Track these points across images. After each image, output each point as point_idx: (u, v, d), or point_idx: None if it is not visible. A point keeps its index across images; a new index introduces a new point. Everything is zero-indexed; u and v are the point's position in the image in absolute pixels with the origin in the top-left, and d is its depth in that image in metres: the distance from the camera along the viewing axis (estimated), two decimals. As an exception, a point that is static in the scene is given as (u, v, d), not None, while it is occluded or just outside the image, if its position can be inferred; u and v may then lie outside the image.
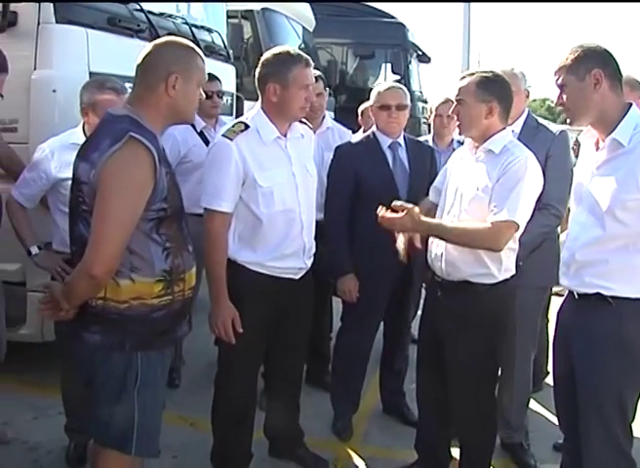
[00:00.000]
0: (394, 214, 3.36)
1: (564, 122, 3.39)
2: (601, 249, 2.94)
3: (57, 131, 4.05)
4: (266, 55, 3.55)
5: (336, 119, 5.76)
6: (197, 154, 4.76)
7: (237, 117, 5.93)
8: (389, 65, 13.76)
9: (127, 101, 2.89)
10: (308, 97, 3.52)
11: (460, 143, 4.50)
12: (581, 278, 3.02)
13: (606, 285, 2.93)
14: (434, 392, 3.81)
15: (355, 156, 4.41)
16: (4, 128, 4.35)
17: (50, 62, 4.48)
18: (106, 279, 2.62)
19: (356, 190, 4.34)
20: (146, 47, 2.83)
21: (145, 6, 5.24)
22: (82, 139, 3.68)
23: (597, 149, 3.05)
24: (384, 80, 13.18)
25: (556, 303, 3.42)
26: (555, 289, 4.75)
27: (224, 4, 7.05)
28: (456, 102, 3.50)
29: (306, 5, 10.65)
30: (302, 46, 10.42)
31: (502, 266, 3.49)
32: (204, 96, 2.95)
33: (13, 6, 4.38)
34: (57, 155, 3.84)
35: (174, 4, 5.87)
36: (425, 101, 14.32)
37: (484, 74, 3.44)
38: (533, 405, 4.81)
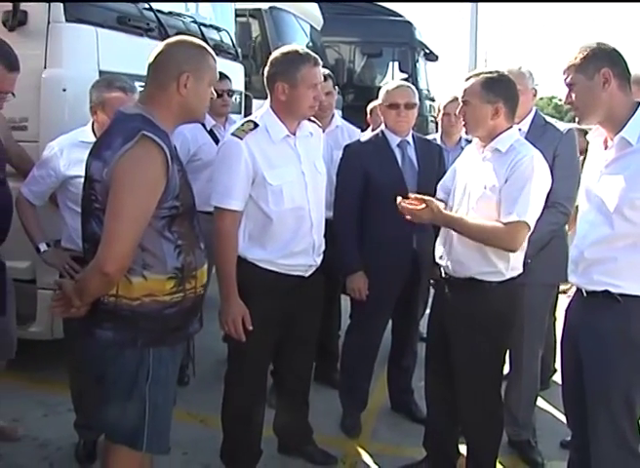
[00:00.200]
0: (414, 206, 3.40)
1: (571, 120, 3.40)
2: (609, 247, 2.94)
3: (66, 129, 4.06)
4: (275, 54, 3.56)
5: (343, 117, 5.77)
6: (207, 152, 4.77)
7: (246, 115, 5.96)
8: (397, 64, 13.77)
9: (139, 100, 2.92)
10: (317, 95, 3.53)
11: (468, 142, 4.51)
12: (590, 276, 3.02)
13: (614, 282, 2.94)
14: (442, 390, 3.83)
15: (364, 155, 4.42)
16: (14, 126, 4.36)
17: (60, 61, 4.51)
18: (119, 276, 2.65)
19: (365, 188, 4.35)
20: (158, 46, 2.85)
21: (155, 5, 5.26)
22: (91, 138, 3.73)
23: (605, 148, 3.05)
24: (392, 78, 13.19)
25: (563, 301, 3.43)
26: (562, 287, 4.76)
27: (233, 3, 7.06)
28: (462, 103, 3.52)
29: (314, 4, 10.65)
30: (310, 44, 10.41)
31: (510, 264, 3.51)
32: (215, 95, 2.97)
33: (23, 5, 4.40)
34: (66, 153, 3.86)
35: (183, 3, 5.88)
36: (433, 100, 14.31)
37: (489, 75, 3.45)
38: (540, 402, 4.81)
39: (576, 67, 2.99)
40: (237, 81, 6.38)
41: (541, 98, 52.17)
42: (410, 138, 4.47)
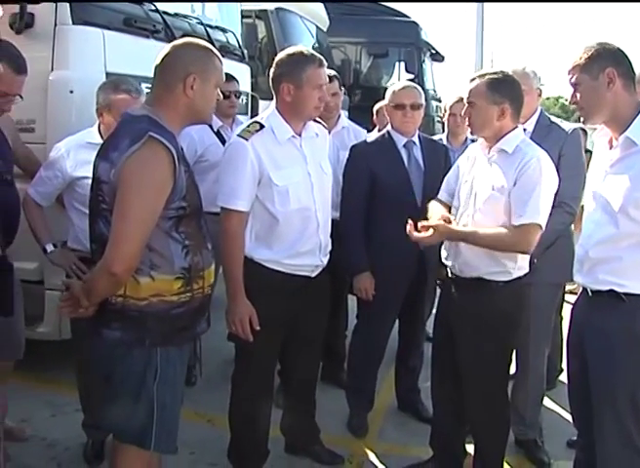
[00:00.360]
0: (422, 234, 3.44)
1: (577, 120, 3.40)
2: (614, 246, 2.95)
3: (74, 131, 4.09)
4: (280, 55, 3.58)
5: (350, 118, 5.78)
6: (214, 153, 4.78)
7: (252, 116, 5.97)
8: (403, 64, 13.73)
9: (145, 101, 2.94)
10: (322, 96, 3.54)
11: (474, 142, 4.52)
12: (595, 275, 3.03)
13: (619, 282, 2.94)
14: (449, 389, 3.84)
15: (370, 155, 4.43)
16: (22, 128, 4.38)
17: (67, 63, 4.53)
18: (126, 276, 2.66)
19: (371, 189, 4.37)
20: (165, 48, 2.87)
21: (161, 6, 5.28)
22: (98, 139, 3.75)
23: (611, 148, 3.06)
24: (398, 79, 13.17)
25: (570, 301, 3.44)
26: (569, 287, 4.76)
27: (239, 4, 7.08)
28: (467, 104, 3.52)
29: (320, 4, 10.66)
30: (316, 45, 10.43)
31: (517, 264, 3.53)
32: (221, 96, 2.98)
33: (30, 7, 4.43)
34: (72, 154, 3.88)
35: (189, 5, 5.90)
36: (439, 100, 14.29)
37: (494, 75, 3.46)
38: (546, 402, 4.82)
39: (580, 67, 3.00)
40: (244, 82, 6.39)
41: (548, 98, 52.03)
42: (416, 139, 4.48)
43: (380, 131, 5.12)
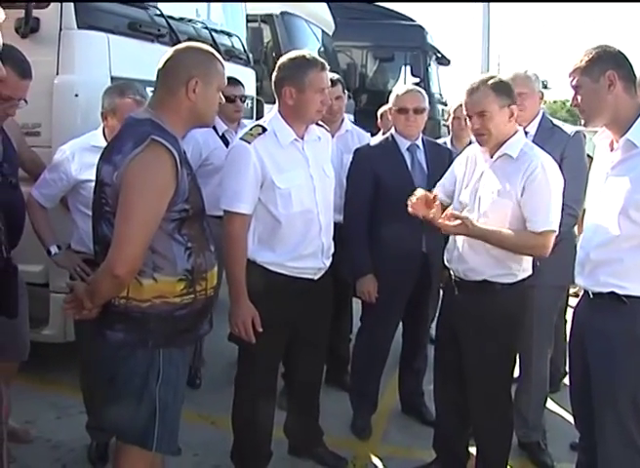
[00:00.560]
0: (450, 223, 3.42)
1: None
2: (615, 248, 2.95)
3: (79, 134, 4.10)
4: (282, 59, 3.60)
5: (356, 122, 5.80)
6: (218, 157, 4.79)
7: (258, 120, 5.99)
8: (409, 68, 13.73)
9: (148, 105, 2.96)
10: (324, 100, 3.56)
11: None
12: (596, 277, 3.04)
13: (620, 284, 2.95)
14: (451, 392, 3.85)
15: (374, 158, 4.45)
16: (27, 132, 4.40)
17: (72, 67, 4.56)
18: (129, 278, 2.69)
19: (375, 192, 4.38)
20: (167, 52, 2.89)
21: (166, 11, 5.31)
22: (102, 142, 3.77)
23: (612, 150, 3.07)
24: (404, 83, 13.17)
25: (574, 304, 3.44)
26: (573, 290, 4.75)
27: (244, 8, 7.10)
28: (474, 117, 3.46)
29: (326, 8, 10.67)
30: (322, 49, 10.44)
31: (522, 266, 3.56)
32: (224, 99, 3.00)
33: (35, 12, 4.45)
34: (77, 157, 3.90)
35: (193, 9, 5.92)
36: (445, 104, 14.30)
37: (493, 80, 3.44)
38: (550, 405, 4.83)
39: (581, 70, 3.01)
40: (249, 86, 6.41)
41: (555, 102, 51.91)
42: (419, 142, 4.50)
43: (384, 134, 5.14)
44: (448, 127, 6.05)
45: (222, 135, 5.08)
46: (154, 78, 2.91)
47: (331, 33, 11.07)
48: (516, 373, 4.05)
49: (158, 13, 5.24)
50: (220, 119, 5.04)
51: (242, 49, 6.78)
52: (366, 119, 7.36)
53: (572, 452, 4.25)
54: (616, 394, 3.00)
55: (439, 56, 15.04)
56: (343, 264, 4.31)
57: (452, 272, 3.74)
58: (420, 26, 14.16)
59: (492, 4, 20.63)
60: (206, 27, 6.00)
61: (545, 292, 4.01)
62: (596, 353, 3.08)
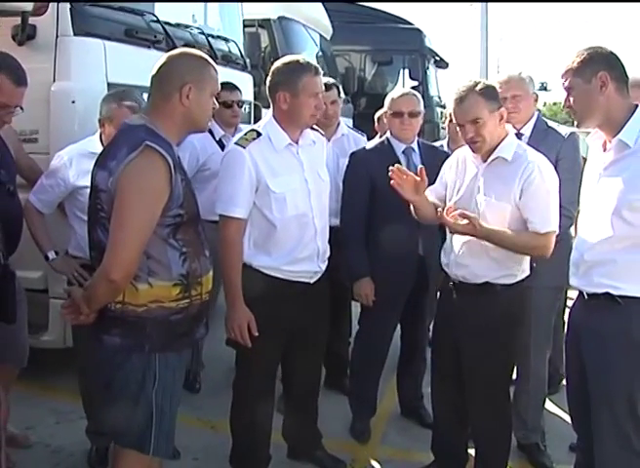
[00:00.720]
0: (459, 222, 3.42)
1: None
2: (609, 249, 2.96)
3: (76, 141, 4.12)
4: (277, 64, 3.62)
5: (355, 125, 5.80)
6: (216, 162, 4.77)
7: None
8: (407, 71, 13.75)
9: (143, 111, 2.97)
10: (318, 104, 3.57)
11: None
12: (590, 278, 3.04)
13: (614, 284, 2.95)
14: (449, 394, 3.85)
15: (370, 162, 4.45)
16: (25, 138, 4.43)
17: (68, 74, 4.58)
18: (125, 283, 2.70)
19: (371, 195, 4.39)
20: (161, 58, 2.91)
21: (162, 17, 5.32)
22: (99, 148, 3.75)
23: (604, 150, 3.08)
24: (403, 86, 13.20)
25: (571, 305, 3.46)
26: (572, 291, 4.74)
27: (241, 12, 7.11)
28: (467, 125, 3.45)
29: (323, 12, 10.68)
30: (320, 53, 10.46)
31: (522, 267, 3.59)
32: (217, 105, 3.02)
33: (32, 19, 4.47)
34: (75, 163, 3.92)
35: (190, 14, 5.94)
36: (444, 107, 14.28)
37: (480, 86, 3.44)
38: (550, 406, 4.84)
39: (573, 71, 3.02)
40: (246, 91, 6.44)
41: (555, 104, 51.83)
42: (415, 145, 4.51)
43: (381, 138, 5.14)
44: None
45: (220, 140, 5.10)
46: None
47: (329, 37, 11.07)
48: (514, 375, 4.06)
49: (154, 19, 5.26)
50: (217, 124, 5.07)
51: (239, 54, 6.79)
52: (365, 123, 7.36)
53: (571, 454, 4.24)
54: (611, 394, 3.00)
55: (437, 59, 15.06)
56: (342, 268, 4.33)
57: (450, 275, 3.73)
58: (418, 30, 14.16)
59: (490, 4, 20.64)
60: (202, 33, 6.00)
61: (543, 293, 4.02)
62: (592, 353, 3.09)
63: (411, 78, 13.59)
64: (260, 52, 8.70)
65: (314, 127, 3.80)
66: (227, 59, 6.39)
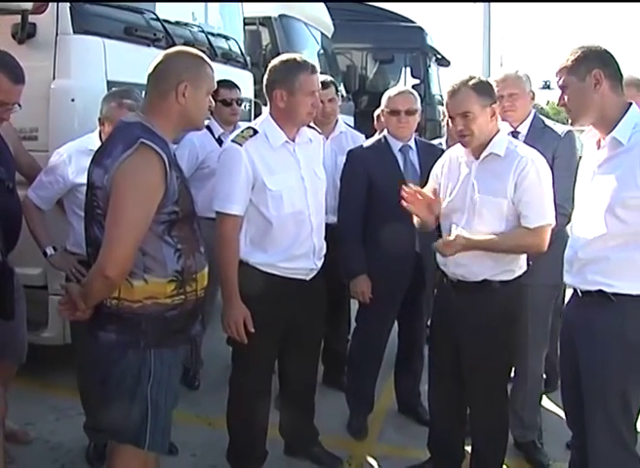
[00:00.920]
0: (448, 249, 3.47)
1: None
2: (602, 246, 2.97)
3: (76, 138, 4.13)
4: (273, 62, 3.65)
5: (356, 124, 5.80)
6: (215, 160, 4.74)
7: (254, 122, 6.02)
8: (409, 69, 13.73)
9: (139, 109, 2.99)
10: (315, 102, 3.59)
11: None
12: (584, 275, 3.06)
13: (608, 282, 2.97)
14: (446, 391, 3.86)
15: (367, 159, 4.47)
16: (25, 136, 4.44)
17: (68, 72, 4.59)
18: (120, 279, 2.72)
19: (368, 193, 4.40)
20: (158, 56, 2.93)
21: (162, 15, 5.34)
22: (98, 145, 3.79)
23: (598, 148, 3.09)
24: (404, 84, 13.18)
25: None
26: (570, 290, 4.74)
27: (241, 10, 7.11)
28: (458, 118, 3.46)
29: (324, 10, 10.67)
30: (321, 51, 10.47)
31: (519, 263, 3.61)
32: (213, 103, 3.03)
33: (31, 18, 4.49)
34: (74, 160, 3.93)
35: (190, 12, 5.95)
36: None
37: (473, 81, 3.45)
38: (547, 404, 4.84)
39: (567, 69, 3.03)
40: (246, 89, 6.44)
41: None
42: (412, 143, 4.52)
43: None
44: (445, 127, 6.06)
45: (219, 137, 5.11)
46: (147, 82, 2.95)
47: (330, 35, 11.08)
48: (512, 373, 4.07)
49: (154, 17, 5.27)
50: (216, 122, 5.09)
51: (239, 52, 6.80)
52: (366, 121, 7.34)
53: (568, 452, 4.20)
54: (605, 391, 3.02)
55: (439, 57, 15.03)
56: (340, 265, 4.35)
57: (448, 274, 3.73)
58: (420, 28, 14.14)
59: (493, 4, 20.64)
60: (202, 31, 6.02)
61: (539, 290, 4.03)
62: (585, 351, 3.10)
63: (412, 76, 13.57)
64: (262, 50, 8.68)
65: (311, 125, 3.82)
66: (227, 57, 6.41)
